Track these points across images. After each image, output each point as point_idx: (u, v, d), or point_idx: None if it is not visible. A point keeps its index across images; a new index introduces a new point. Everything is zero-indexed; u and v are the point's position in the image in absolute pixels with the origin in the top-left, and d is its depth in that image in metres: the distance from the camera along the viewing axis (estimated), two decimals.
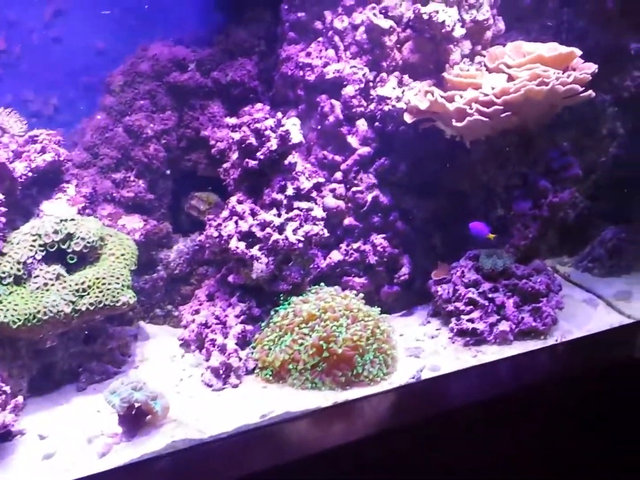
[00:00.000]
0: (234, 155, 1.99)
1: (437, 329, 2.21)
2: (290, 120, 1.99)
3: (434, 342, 2.14)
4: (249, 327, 1.97)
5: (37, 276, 1.74)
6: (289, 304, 1.99)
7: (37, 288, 1.71)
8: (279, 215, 1.97)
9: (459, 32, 2.18)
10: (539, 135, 2.19)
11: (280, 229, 1.96)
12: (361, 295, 2.09)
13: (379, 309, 2.04)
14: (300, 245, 1.95)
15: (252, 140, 1.92)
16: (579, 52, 2.07)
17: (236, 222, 1.94)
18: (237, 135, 1.93)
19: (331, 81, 2.20)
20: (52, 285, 1.73)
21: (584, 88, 2.00)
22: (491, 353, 2.02)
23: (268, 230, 1.93)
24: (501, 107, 1.98)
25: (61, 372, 1.87)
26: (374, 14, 2.15)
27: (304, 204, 2.00)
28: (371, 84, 2.22)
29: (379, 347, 1.90)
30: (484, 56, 2.26)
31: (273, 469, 1.36)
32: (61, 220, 1.82)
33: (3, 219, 1.74)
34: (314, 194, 2.02)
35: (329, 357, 1.81)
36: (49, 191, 2.06)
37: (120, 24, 2.23)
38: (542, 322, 2.10)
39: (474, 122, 1.99)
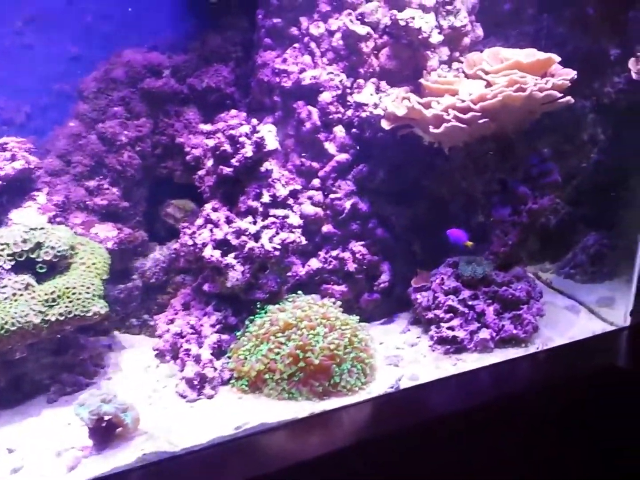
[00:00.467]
0: (209, 163, 1.99)
1: (417, 337, 2.23)
2: (265, 127, 1.99)
3: (414, 350, 2.14)
4: (225, 337, 1.96)
5: (5, 286, 1.72)
6: (265, 312, 1.98)
7: (6, 298, 1.70)
8: (255, 222, 1.97)
9: (436, 38, 2.20)
10: (518, 142, 2.20)
11: (256, 236, 1.96)
12: (339, 303, 2.09)
13: (357, 317, 2.04)
14: (277, 253, 1.96)
15: (227, 147, 1.93)
16: (557, 58, 2.09)
17: (211, 230, 1.94)
18: (211, 142, 1.93)
19: (308, 87, 2.20)
20: (21, 295, 1.72)
21: (562, 94, 2.01)
22: (472, 361, 2.03)
23: (243, 238, 1.94)
24: (478, 114, 1.98)
25: (31, 384, 1.85)
26: (350, 20, 2.17)
27: (280, 212, 2.00)
28: (348, 90, 2.22)
29: (357, 356, 1.91)
30: (462, 62, 2.28)
31: None
32: (30, 229, 1.81)
33: None
34: (290, 201, 2.02)
35: (306, 367, 1.81)
36: (19, 199, 2.05)
37: (94, 30, 2.21)
38: (523, 329, 2.11)
39: (451, 128, 1.99)
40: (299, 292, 2.10)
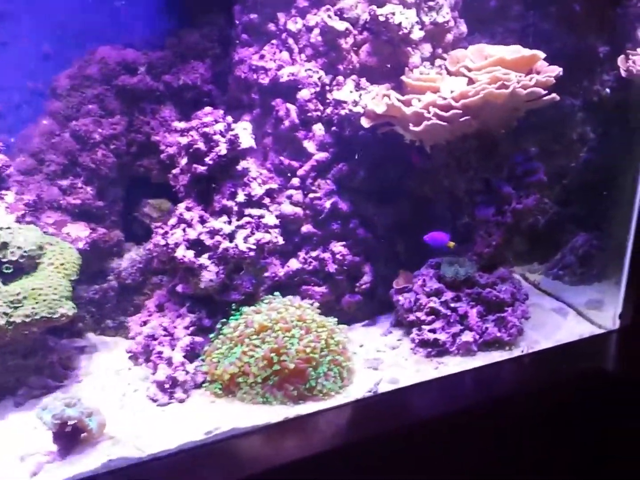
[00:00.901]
0: (183, 161, 1.97)
1: (398, 340, 2.21)
2: (240, 125, 1.98)
3: (395, 353, 2.13)
4: (199, 339, 1.94)
5: None
6: (240, 314, 1.96)
7: None
8: (230, 222, 1.95)
9: (417, 34, 2.18)
10: (502, 140, 2.19)
11: (231, 236, 1.94)
12: (317, 305, 2.08)
13: (335, 319, 2.03)
14: (252, 253, 1.94)
15: (201, 145, 1.91)
16: (542, 54, 2.07)
17: (184, 230, 1.92)
18: (184, 140, 1.92)
19: (286, 84, 2.19)
20: None
21: (547, 91, 1.99)
22: (454, 364, 2.01)
23: (217, 238, 1.92)
24: (460, 111, 1.97)
25: None
26: (329, 16, 2.15)
27: (256, 211, 1.99)
28: (327, 87, 2.20)
29: (334, 359, 1.89)
30: (445, 59, 2.25)
31: None
32: None
33: None
34: (266, 200, 2.01)
35: (281, 370, 1.79)
36: None
37: (67, 27, 2.20)
38: (507, 332, 2.10)
39: (432, 126, 1.98)
40: (276, 293, 2.08)
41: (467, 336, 2.07)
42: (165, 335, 1.96)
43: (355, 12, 2.19)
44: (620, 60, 2.38)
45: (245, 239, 1.93)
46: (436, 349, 2.07)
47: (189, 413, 1.78)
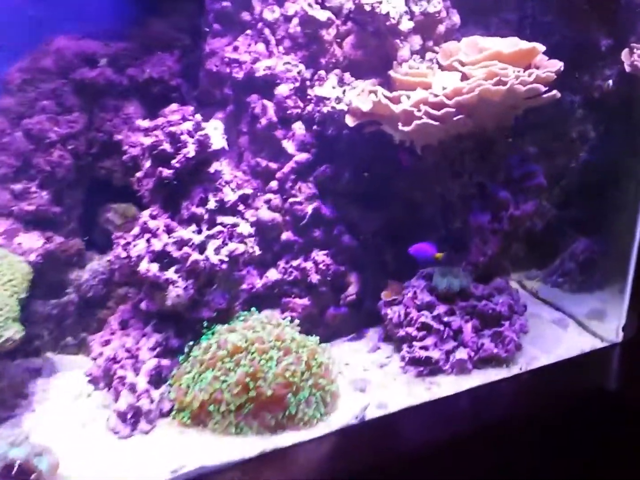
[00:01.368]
0: (147, 163, 1.86)
1: (387, 357, 2.15)
2: (211, 123, 1.89)
3: (384, 372, 2.07)
4: (166, 362, 1.83)
5: None
6: (212, 333, 1.87)
7: None
8: (199, 232, 1.85)
9: (406, 25, 2.12)
10: (498, 140, 2.13)
11: (201, 247, 1.84)
12: (297, 322, 2.00)
13: (317, 337, 1.95)
14: (224, 266, 1.85)
15: (166, 146, 1.81)
16: (542, 47, 2.03)
17: (148, 241, 1.81)
18: (148, 140, 1.81)
19: (262, 79, 2.12)
20: None
21: (548, 88, 1.95)
22: (447, 384, 1.96)
23: (186, 249, 1.81)
24: (453, 109, 1.91)
25: None
26: (309, 4, 2.08)
27: (229, 219, 1.89)
28: (308, 82, 2.14)
29: (316, 383, 1.81)
30: (437, 53, 2.21)
31: None
32: None
33: None
34: (241, 207, 1.91)
35: (257, 397, 1.70)
36: None
37: (20, 15, 2.06)
38: (505, 348, 2.04)
39: (423, 125, 1.91)
40: (253, 309, 2.01)
41: (462, 353, 2.02)
42: (128, 358, 1.84)
43: (339, 0, 2.13)
44: (624, 54, 2.34)
45: (217, 250, 1.84)
46: (428, 368, 2.01)
47: (153, 447, 1.68)
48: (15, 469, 1.41)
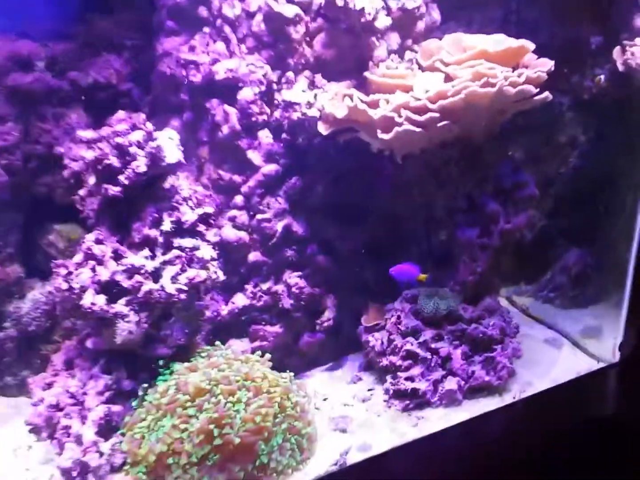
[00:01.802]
0: (91, 180, 1.73)
1: (369, 389, 2.08)
2: (164, 133, 1.76)
3: (366, 407, 1.99)
4: (117, 408, 1.73)
5: None
6: (171, 373, 1.76)
7: None
8: (153, 257, 1.74)
9: (383, 22, 2.05)
10: (486, 148, 2.07)
11: (155, 275, 1.73)
12: (268, 356, 1.90)
13: (291, 373, 1.87)
14: (183, 296, 1.73)
15: (113, 159, 1.68)
16: (531, 45, 1.98)
17: (93, 269, 1.67)
18: (90, 154, 1.67)
19: (223, 82, 2.03)
20: None
21: (538, 89, 1.90)
22: (436, 419, 1.90)
23: (138, 278, 1.69)
24: (437, 114, 1.85)
25: None
26: None
27: (187, 242, 1.77)
28: (275, 85, 2.07)
29: (291, 427, 1.72)
30: (416, 52, 2.15)
31: None
32: None
33: None
34: (201, 227, 1.79)
35: (223, 446, 1.59)
36: None
37: None
38: (497, 375, 1.98)
39: (404, 133, 1.85)
40: (218, 342, 1.92)
41: (451, 383, 1.94)
42: (73, 405, 1.73)
43: None
44: (616, 52, 2.30)
45: (174, 278, 1.72)
46: (415, 401, 1.93)
47: None
48: None
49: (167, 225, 1.74)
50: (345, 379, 2.14)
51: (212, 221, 1.80)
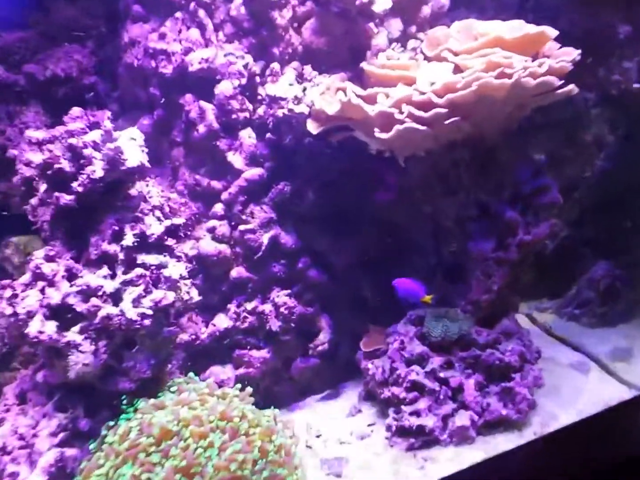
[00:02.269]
0: (42, 187, 1.59)
1: (369, 424, 1.96)
2: (126, 133, 1.61)
3: (365, 445, 1.88)
4: (72, 452, 1.60)
5: None
6: (135, 411, 1.60)
7: None
8: (113, 276, 1.58)
9: (382, 5, 1.94)
10: (501, 148, 1.96)
11: (115, 298, 1.56)
12: (250, 390, 1.74)
13: (277, 410, 1.70)
14: (147, 322, 1.57)
15: (64, 163, 1.52)
16: (553, 32, 1.85)
17: (42, 291, 1.53)
18: (39, 157, 1.53)
19: (198, 75, 1.92)
20: None
21: (562, 81, 1.79)
22: (446, 460, 1.77)
23: (94, 301, 1.53)
24: (444, 110, 1.74)
25: None
26: None
27: (153, 259, 1.62)
28: (258, 78, 1.96)
29: (273, 475, 1.52)
30: (421, 40, 2.05)
31: None
32: None
33: None
34: (170, 241, 1.65)
35: None
36: None
37: None
38: (516, 408, 1.87)
39: (406, 131, 1.73)
40: (191, 374, 1.76)
41: (463, 418, 1.83)
42: (22, 447, 1.57)
43: None
44: None
45: (136, 301, 1.56)
46: (421, 439, 1.82)
47: None
48: None
49: (129, 240, 1.59)
50: (343, 410, 2.03)
51: (183, 234, 1.67)
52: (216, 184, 1.99)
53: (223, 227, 1.99)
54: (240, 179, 1.97)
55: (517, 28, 1.89)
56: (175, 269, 1.63)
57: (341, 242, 2.13)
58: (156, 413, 1.57)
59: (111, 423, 1.61)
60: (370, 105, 1.78)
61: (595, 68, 2.37)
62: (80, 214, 1.61)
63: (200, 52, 1.90)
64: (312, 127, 1.90)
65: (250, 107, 1.96)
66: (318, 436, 1.90)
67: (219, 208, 1.99)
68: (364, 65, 1.93)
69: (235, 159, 1.96)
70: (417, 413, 1.82)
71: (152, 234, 1.62)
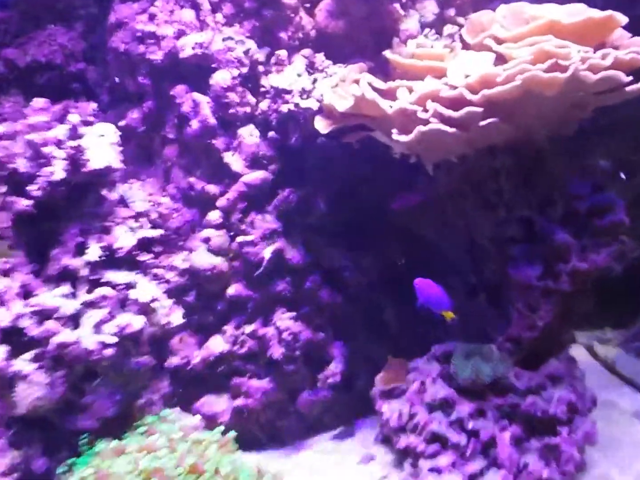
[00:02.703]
0: (3, 189, 1.48)
1: (383, 476, 1.80)
2: (97, 129, 1.50)
3: None
4: None
5: None
6: (94, 455, 1.46)
7: None
8: (73, 296, 1.44)
9: None
10: (553, 155, 1.79)
11: (76, 321, 1.43)
12: (233, 434, 1.61)
13: (261, 465, 1.55)
14: (108, 351, 1.42)
15: (19, 163, 1.39)
16: (623, 18, 1.69)
17: None
18: None
19: (191, 62, 1.79)
20: None
21: (631, 77, 1.61)
22: None
23: (50, 324, 1.40)
24: (480, 109, 1.54)
25: None
26: None
27: (121, 276, 1.47)
28: (261, 67, 1.81)
29: None
30: (460, 26, 1.90)
31: None
32: None
33: None
34: (143, 256, 1.51)
35: None
36: None
37: None
38: (560, 470, 1.68)
39: (431, 133, 1.54)
40: (167, 411, 1.66)
41: (495, 478, 1.67)
42: None
43: None
44: None
45: (98, 327, 1.42)
46: None
47: None
48: None
49: (93, 253, 1.43)
50: (355, 454, 1.88)
51: (159, 249, 1.48)
52: (212, 189, 1.88)
53: (219, 238, 1.88)
54: (239, 183, 1.86)
55: (577, 12, 1.73)
56: (146, 290, 1.48)
57: (358, 258, 2.05)
58: (115, 460, 1.40)
59: (62, 469, 1.47)
60: (388, 101, 1.61)
61: None
62: (43, 221, 1.46)
63: (194, 36, 1.77)
64: (322, 126, 1.75)
65: (253, 100, 1.83)
66: None
67: (215, 216, 1.88)
68: (387, 53, 1.77)
69: (234, 160, 1.84)
70: (437, 470, 1.68)
71: (122, 247, 1.47)
